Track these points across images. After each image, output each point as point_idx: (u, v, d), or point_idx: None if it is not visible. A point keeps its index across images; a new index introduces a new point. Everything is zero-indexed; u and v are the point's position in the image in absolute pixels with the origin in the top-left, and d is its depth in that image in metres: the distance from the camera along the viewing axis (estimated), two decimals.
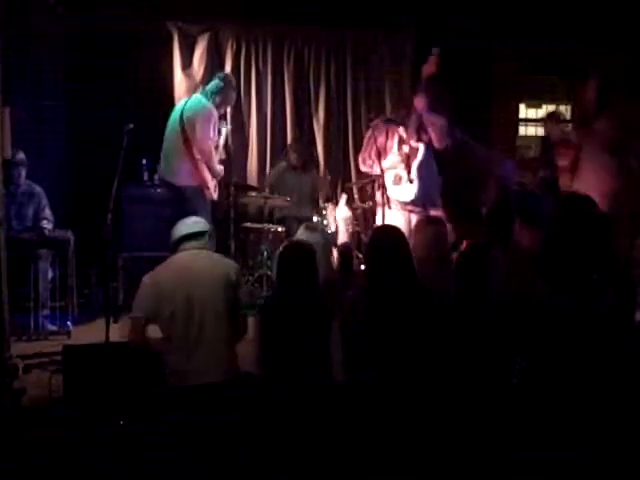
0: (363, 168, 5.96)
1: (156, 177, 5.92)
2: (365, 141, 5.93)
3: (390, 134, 5.62)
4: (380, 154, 5.28)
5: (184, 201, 5.30)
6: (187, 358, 3.33)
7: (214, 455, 3.10)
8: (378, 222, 5.30)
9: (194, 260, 3.42)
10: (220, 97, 5.53)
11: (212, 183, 5.54)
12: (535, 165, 6.04)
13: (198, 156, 5.38)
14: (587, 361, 2.61)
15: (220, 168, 5.60)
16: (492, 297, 3.03)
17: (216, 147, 5.56)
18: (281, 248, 3.44)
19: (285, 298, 3.21)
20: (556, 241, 2.76)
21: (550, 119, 6.26)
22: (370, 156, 5.61)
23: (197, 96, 5.59)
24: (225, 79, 5.64)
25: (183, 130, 5.37)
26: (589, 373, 2.61)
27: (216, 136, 5.51)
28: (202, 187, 5.46)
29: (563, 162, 5.45)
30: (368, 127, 6.09)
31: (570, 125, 7.90)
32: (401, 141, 5.58)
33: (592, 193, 4.19)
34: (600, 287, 2.73)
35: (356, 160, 6.68)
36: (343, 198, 6.15)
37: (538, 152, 6.69)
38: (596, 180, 4.84)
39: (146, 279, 3.45)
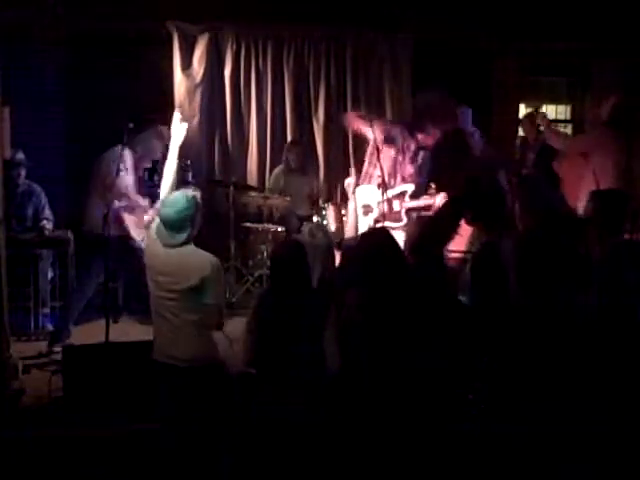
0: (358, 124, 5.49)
1: (155, 178, 5.73)
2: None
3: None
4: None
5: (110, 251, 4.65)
6: (157, 332, 3.42)
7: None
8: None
9: (173, 254, 3.35)
10: (142, 147, 5.15)
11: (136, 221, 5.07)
12: (515, 167, 6.02)
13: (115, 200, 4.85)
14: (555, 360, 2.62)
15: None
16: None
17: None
18: (272, 248, 3.45)
19: (278, 297, 3.22)
20: (530, 244, 2.79)
21: (528, 120, 6.24)
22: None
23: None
24: (154, 133, 5.22)
25: (97, 174, 4.99)
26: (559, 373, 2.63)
27: (127, 179, 5.00)
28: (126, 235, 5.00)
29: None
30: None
31: (570, 126, 7.96)
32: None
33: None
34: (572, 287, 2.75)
35: (356, 160, 6.68)
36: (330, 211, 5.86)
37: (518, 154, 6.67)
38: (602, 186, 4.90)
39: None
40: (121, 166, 4.75)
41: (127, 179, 5.00)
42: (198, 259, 3.35)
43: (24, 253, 5.20)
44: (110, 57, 6.25)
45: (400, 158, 5.32)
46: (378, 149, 5.10)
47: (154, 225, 3.48)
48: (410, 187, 5.25)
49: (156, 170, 5.31)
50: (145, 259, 3.49)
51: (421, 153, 5.35)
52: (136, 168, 5.17)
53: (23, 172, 5.43)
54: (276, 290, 3.29)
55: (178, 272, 3.31)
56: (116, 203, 4.88)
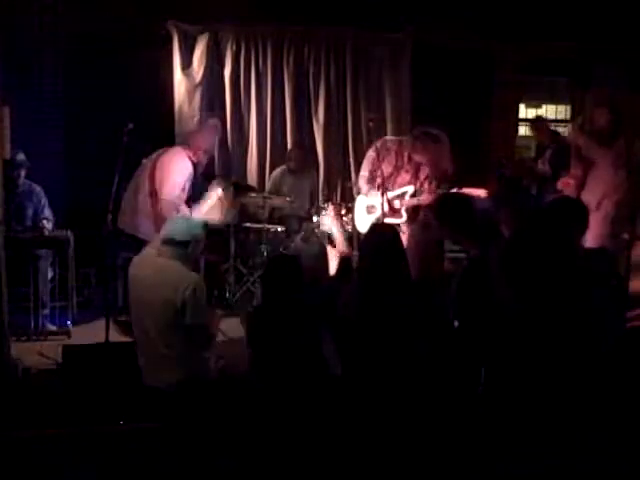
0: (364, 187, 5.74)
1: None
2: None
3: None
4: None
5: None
6: (140, 356, 3.47)
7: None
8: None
9: (158, 268, 3.41)
10: (199, 144, 5.36)
11: None
12: (530, 165, 6.06)
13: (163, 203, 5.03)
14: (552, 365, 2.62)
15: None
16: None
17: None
18: (266, 266, 3.50)
19: (271, 312, 3.21)
20: (519, 248, 2.78)
21: (536, 124, 6.32)
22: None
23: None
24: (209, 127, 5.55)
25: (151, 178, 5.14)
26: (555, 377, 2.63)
27: (186, 190, 5.16)
28: None
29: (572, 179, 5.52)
30: (369, 130, 6.06)
31: (570, 126, 7.95)
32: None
33: (597, 201, 4.28)
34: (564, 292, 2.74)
35: (356, 160, 6.68)
36: (329, 210, 5.89)
37: (533, 154, 6.72)
38: (603, 191, 4.98)
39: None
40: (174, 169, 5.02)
41: (174, 183, 5.10)
42: (182, 275, 3.36)
43: (24, 253, 5.20)
44: (110, 57, 6.24)
45: (395, 173, 5.43)
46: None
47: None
48: (410, 189, 5.37)
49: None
50: (130, 268, 3.51)
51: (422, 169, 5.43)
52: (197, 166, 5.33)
53: (23, 172, 5.42)
54: (269, 307, 3.27)
55: (161, 285, 3.31)
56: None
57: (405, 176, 5.43)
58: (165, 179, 5.15)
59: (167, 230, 3.47)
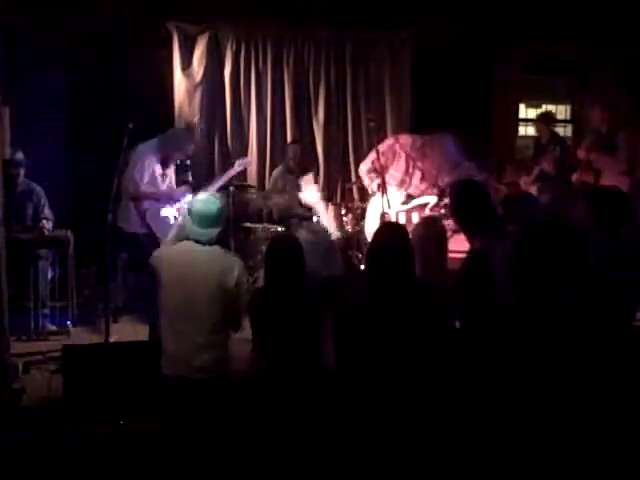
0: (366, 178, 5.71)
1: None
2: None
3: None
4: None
5: (139, 245, 5.08)
6: (166, 346, 3.31)
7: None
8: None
9: (195, 253, 3.31)
10: (168, 148, 5.32)
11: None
12: (530, 165, 6.07)
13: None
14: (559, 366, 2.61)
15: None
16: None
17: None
18: (269, 243, 3.45)
19: (272, 293, 3.20)
20: (527, 249, 2.77)
21: (541, 120, 6.34)
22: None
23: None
24: (176, 135, 5.53)
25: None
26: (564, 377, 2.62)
27: (145, 179, 5.18)
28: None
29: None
30: (369, 130, 6.09)
31: (569, 125, 7.96)
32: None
33: None
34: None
35: (356, 160, 6.68)
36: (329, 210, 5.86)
37: (532, 153, 6.72)
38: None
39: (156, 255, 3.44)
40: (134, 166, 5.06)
41: (133, 175, 5.12)
42: (228, 260, 3.32)
43: (24, 253, 5.20)
44: (110, 57, 6.25)
45: (407, 180, 5.37)
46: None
47: (173, 232, 3.47)
48: (432, 199, 5.27)
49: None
50: (162, 266, 3.35)
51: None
52: (166, 162, 5.32)
53: (22, 171, 5.41)
54: (270, 288, 3.25)
55: (209, 273, 3.24)
56: (145, 203, 5.12)
57: (420, 185, 5.35)
58: None
59: (204, 209, 3.32)
